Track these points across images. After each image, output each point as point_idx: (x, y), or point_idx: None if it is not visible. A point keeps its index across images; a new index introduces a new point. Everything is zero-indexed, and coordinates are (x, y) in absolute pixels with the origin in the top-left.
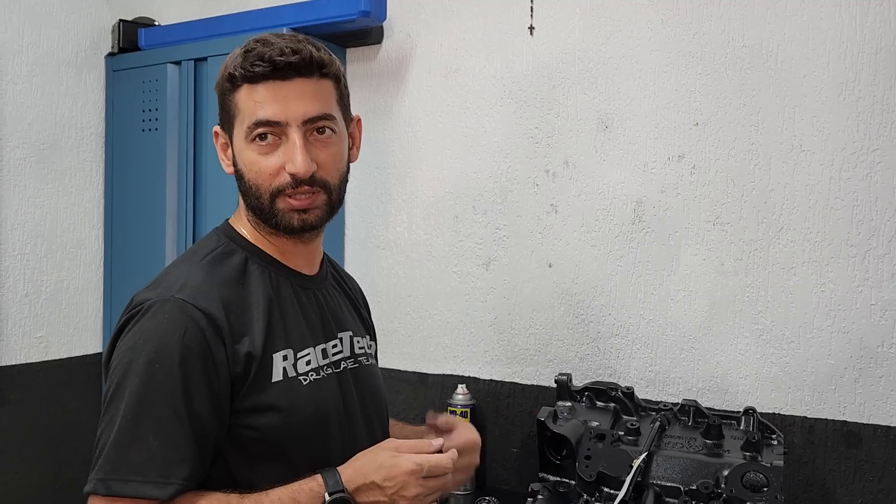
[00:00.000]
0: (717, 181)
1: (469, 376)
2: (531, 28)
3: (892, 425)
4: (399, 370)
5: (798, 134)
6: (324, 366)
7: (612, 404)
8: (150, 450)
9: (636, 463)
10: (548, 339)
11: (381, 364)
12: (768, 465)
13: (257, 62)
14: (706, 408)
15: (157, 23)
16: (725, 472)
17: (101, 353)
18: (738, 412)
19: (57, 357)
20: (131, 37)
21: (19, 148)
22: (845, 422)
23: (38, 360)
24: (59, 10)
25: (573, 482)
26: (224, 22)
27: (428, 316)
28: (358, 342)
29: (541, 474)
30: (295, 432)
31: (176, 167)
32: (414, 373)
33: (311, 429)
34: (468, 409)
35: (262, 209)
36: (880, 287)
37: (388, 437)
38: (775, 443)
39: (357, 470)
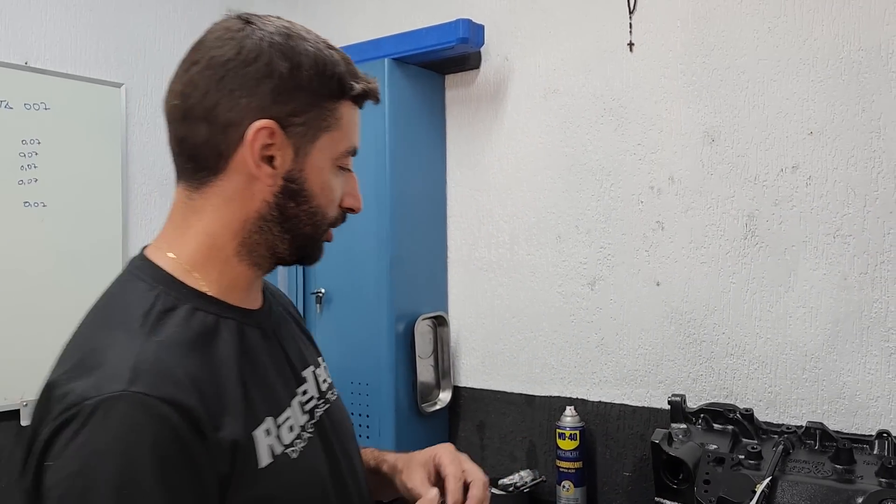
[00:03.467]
0: (836, 191)
1: (577, 398)
2: (630, 44)
3: None
4: (505, 392)
5: None
6: (305, 424)
7: (730, 427)
8: None
9: (760, 488)
10: (658, 360)
11: (485, 385)
12: None
13: (374, 89)
14: (834, 431)
15: None
16: (859, 500)
17: None
18: (870, 436)
19: None
20: None
21: (145, 184)
22: None
23: None
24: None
25: None
26: None
27: (533, 337)
28: (319, 375)
29: (657, 499)
30: None
31: None
32: (520, 394)
33: None
34: (577, 431)
35: (310, 239)
36: None
37: (363, 468)
38: None
39: None
